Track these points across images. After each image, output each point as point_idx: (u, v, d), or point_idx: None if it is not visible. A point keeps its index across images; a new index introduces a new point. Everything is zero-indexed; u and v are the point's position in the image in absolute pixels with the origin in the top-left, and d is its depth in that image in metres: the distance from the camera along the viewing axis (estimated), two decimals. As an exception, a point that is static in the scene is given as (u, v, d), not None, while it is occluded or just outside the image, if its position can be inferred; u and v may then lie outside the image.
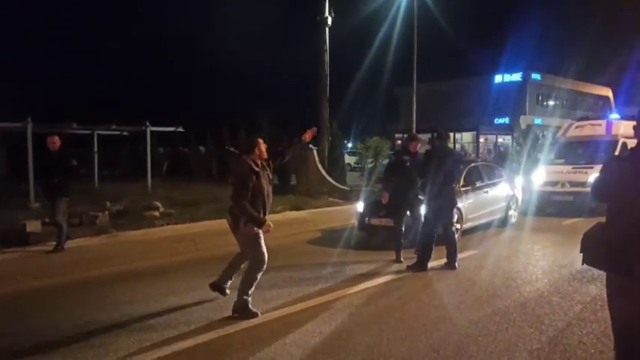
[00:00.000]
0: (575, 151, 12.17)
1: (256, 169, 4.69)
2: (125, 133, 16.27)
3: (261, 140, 4.81)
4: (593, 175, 10.97)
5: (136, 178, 15.90)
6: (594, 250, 2.50)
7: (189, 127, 18.70)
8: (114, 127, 14.35)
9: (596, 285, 5.53)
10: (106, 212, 9.96)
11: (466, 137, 36.60)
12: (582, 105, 39.19)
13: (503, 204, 9.74)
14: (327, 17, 16.01)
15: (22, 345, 4.10)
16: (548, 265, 6.66)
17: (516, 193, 10.38)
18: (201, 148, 21.71)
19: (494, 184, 9.52)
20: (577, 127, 13.09)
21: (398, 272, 6.32)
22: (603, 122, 12.64)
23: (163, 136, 19.05)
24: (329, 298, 5.20)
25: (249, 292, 4.68)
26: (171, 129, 15.30)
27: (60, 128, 14.24)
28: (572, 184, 11.40)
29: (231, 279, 5.18)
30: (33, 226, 7.96)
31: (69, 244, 7.41)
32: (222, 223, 9.81)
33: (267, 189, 4.76)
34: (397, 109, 40.93)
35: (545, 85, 38.61)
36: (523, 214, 10.70)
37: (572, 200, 11.06)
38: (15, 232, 7.81)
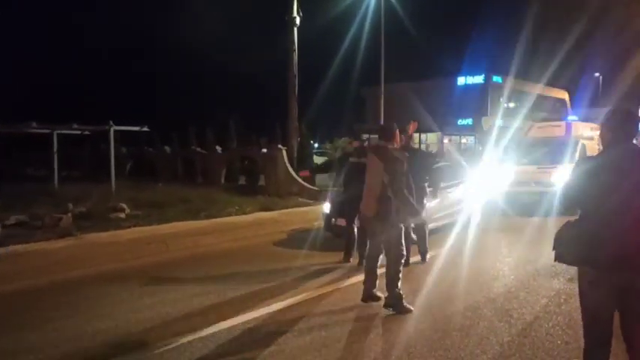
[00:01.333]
0: (538, 152, 12.33)
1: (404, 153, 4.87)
2: (87, 133, 15.78)
3: (397, 132, 4.90)
4: (555, 175, 11.23)
5: (98, 179, 15.44)
6: (566, 247, 2.64)
7: (154, 127, 18.34)
8: (75, 126, 13.90)
9: (559, 280, 5.78)
10: (69, 214, 9.65)
11: (431, 138, 37.37)
12: (540, 107, 40.67)
13: (466, 204, 9.86)
14: (295, 17, 16.01)
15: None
16: (515, 262, 6.91)
17: (480, 193, 10.57)
18: (167, 149, 21.29)
19: (457, 185, 9.75)
20: (538, 127, 13.59)
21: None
22: (563, 124, 13.17)
23: (126, 135, 18.59)
24: (305, 298, 5.24)
25: (399, 285, 4.70)
26: (136, 128, 14.94)
27: (18, 128, 13.72)
28: (538, 183, 11.60)
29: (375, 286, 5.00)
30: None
31: (32, 246, 7.15)
32: (192, 224, 9.80)
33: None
34: (364, 110, 41.35)
35: (506, 87, 39.85)
36: (490, 214, 10.76)
37: (538, 200, 11.09)
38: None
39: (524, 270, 6.38)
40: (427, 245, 6.97)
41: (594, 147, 12.87)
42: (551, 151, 12.05)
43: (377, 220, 4.76)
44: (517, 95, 40.27)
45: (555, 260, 2.72)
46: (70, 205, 10.32)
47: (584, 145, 12.06)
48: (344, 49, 22.03)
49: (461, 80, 38.73)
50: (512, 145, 13.93)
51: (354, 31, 21.03)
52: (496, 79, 38.64)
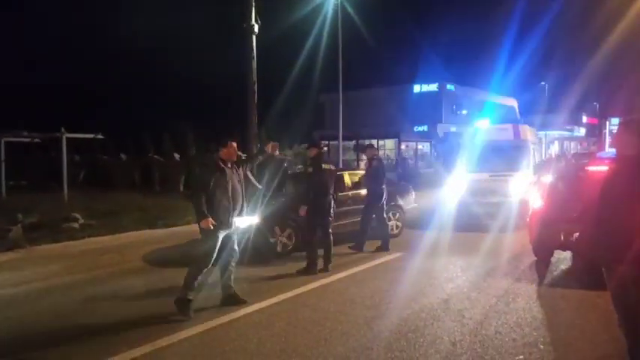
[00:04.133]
0: (488, 157, 10.97)
1: (221, 165, 5.08)
2: (37, 140, 15.19)
3: (233, 143, 5.17)
4: (513, 184, 10.27)
5: (49, 188, 14.86)
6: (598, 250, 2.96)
7: (108, 133, 17.86)
8: (25, 133, 13.37)
9: (507, 280, 6.10)
10: (19, 225, 9.26)
11: (389, 144, 38.12)
12: (490, 114, 42.35)
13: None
14: (253, 25, 16.01)
15: None
16: (466, 264, 7.20)
17: (401, 203, 9.72)
18: (123, 156, 20.74)
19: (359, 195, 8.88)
20: (484, 131, 12.23)
21: (328, 277, 6.50)
22: (509, 126, 12.00)
23: (79, 143, 17.98)
24: (265, 304, 5.29)
25: (192, 287, 4.97)
26: (90, 136, 14.53)
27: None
28: (494, 193, 10.40)
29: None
30: None
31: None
32: (149, 233, 9.61)
33: (235, 186, 5.13)
34: (324, 116, 41.68)
35: (459, 95, 41.24)
36: (442, 227, 9.69)
37: (494, 212, 9.82)
38: None
39: (475, 271, 6.66)
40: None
41: (536, 153, 12.41)
42: (503, 156, 10.89)
43: None
44: (469, 103, 41.76)
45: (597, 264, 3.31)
46: (20, 216, 9.90)
47: (533, 150, 11.52)
48: (303, 56, 22.19)
49: (416, 88, 39.78)
50: (463, 151, 12.69)
51: (313, 39, 21.25)
52: (449, 87, 39.93)
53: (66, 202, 12.41)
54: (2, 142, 13.39)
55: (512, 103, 45.18)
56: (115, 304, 5.42)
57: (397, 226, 9.52)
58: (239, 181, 5.22)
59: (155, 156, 19.07)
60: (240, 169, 5.32)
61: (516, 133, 11.58)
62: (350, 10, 20.87)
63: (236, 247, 5.30)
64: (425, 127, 38.73)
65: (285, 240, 7.90)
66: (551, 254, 6.92)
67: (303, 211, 6.88)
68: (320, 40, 21.38)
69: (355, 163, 36.10)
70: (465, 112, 42.32)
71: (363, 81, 38.68)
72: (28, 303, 5.60)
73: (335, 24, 20.76)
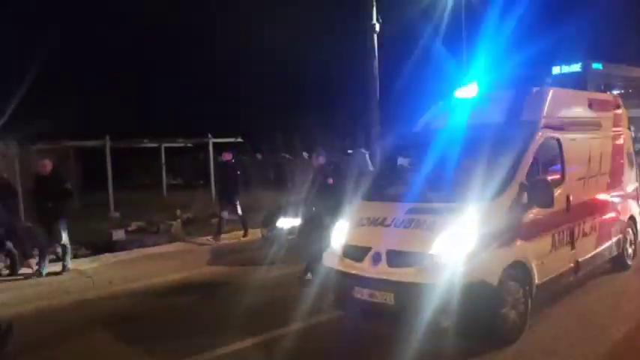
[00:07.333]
0: (435, 164, 5.09)
1: None
2: (189, 145, 17.44)
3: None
4: (445, 234, 4.21)
5: (199, 185, 16.96)
6: None
7: (246, 136, 19.68)
8: (180, 140, 15.48)
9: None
10: (179, 220, 10.90)
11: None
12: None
13: None
14: (374, 24, 16.34)
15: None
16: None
17: None
18: (258, 156, 22.71)
19: None
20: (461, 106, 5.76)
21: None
22: (507, 93, 5.61)
23: (220, 144, 20.12)
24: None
25: None
26: (232, 140, 16.24)
27: (133, 143, 15.62)
28: (395, 257, 4.34)
29: None
30: (118, 234, 9.00)
31: (154, 249, 8.33)
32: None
33: None
34: (449, 107, 40.43)
35: (609, 74, 36.78)
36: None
37: (391, 306, 4.25)
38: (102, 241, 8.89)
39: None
40: None
41: (606, 149, 6.21)
42: (464, 159, 5.14)
43: None
44: (621, 82, 37.06)
45: None
46: (179, 212, 11.62)
47: (560, 146, 5.17)
48: (425, 48, 21.85)
49: (556, 69, 36.35)
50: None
51: (435, 29, 20.83)
52: (596, 66, 35.75)
53: (213, 199, 14.13)
54: (162, 147, 15.70)
55: (676, 78, 38.94)
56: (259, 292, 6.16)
57: None
58: None
59: (286, 155, 20.56)
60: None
61: (516, 108, 5.24)
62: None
63: None
64: (566, 112, 35.38)
65: None
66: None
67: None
68: (443, 28, 20.89)
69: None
70: (616, 92, 37.69)
71: (493, 66, 36.62)
72: (192, 288, 6.72)
73: (459, 8, 20.11)
